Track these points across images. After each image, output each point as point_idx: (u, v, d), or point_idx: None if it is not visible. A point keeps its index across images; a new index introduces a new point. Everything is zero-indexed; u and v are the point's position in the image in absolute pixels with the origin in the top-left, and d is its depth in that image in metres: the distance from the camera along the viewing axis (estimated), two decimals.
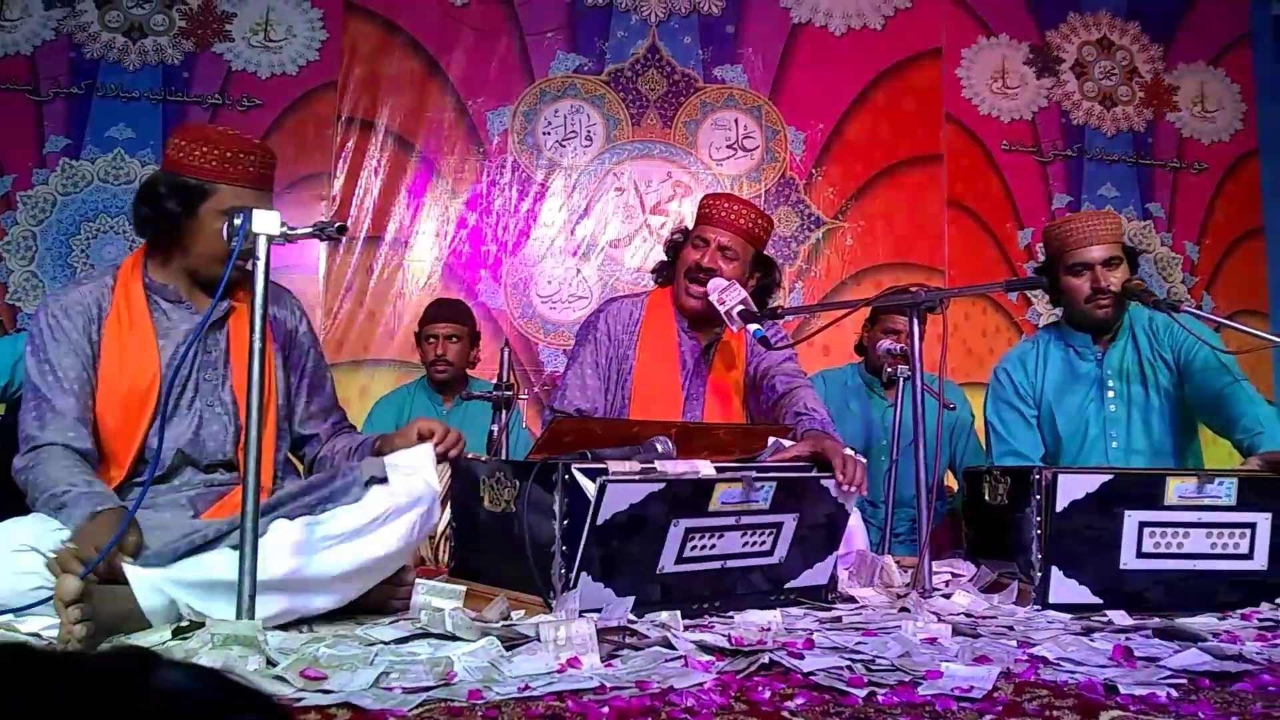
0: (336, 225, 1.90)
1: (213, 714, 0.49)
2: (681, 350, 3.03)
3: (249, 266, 1.85)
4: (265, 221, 1.82)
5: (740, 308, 2.79)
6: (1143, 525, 2.32)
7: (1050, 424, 3.10)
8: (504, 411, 2.99)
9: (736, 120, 5.26)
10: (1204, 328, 2.93)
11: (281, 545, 1.88)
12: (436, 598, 2.01)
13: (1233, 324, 2.85)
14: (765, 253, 3.11)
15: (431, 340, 4.13)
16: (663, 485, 2.04)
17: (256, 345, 1.78)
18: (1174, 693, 1.54)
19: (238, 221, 1.84)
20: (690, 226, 3.14)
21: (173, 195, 2.17)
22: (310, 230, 1.89)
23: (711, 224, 3.00)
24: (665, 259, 3.19)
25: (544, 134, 5.11)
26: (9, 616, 1.87)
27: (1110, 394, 3.04)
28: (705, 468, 2.17)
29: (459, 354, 4.14)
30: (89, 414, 2.14)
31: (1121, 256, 3.00)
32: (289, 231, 1.86)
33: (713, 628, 1.98)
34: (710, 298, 2.85)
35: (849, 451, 2.42)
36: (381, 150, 4.94)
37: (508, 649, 1.67)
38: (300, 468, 2.53)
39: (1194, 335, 2.90)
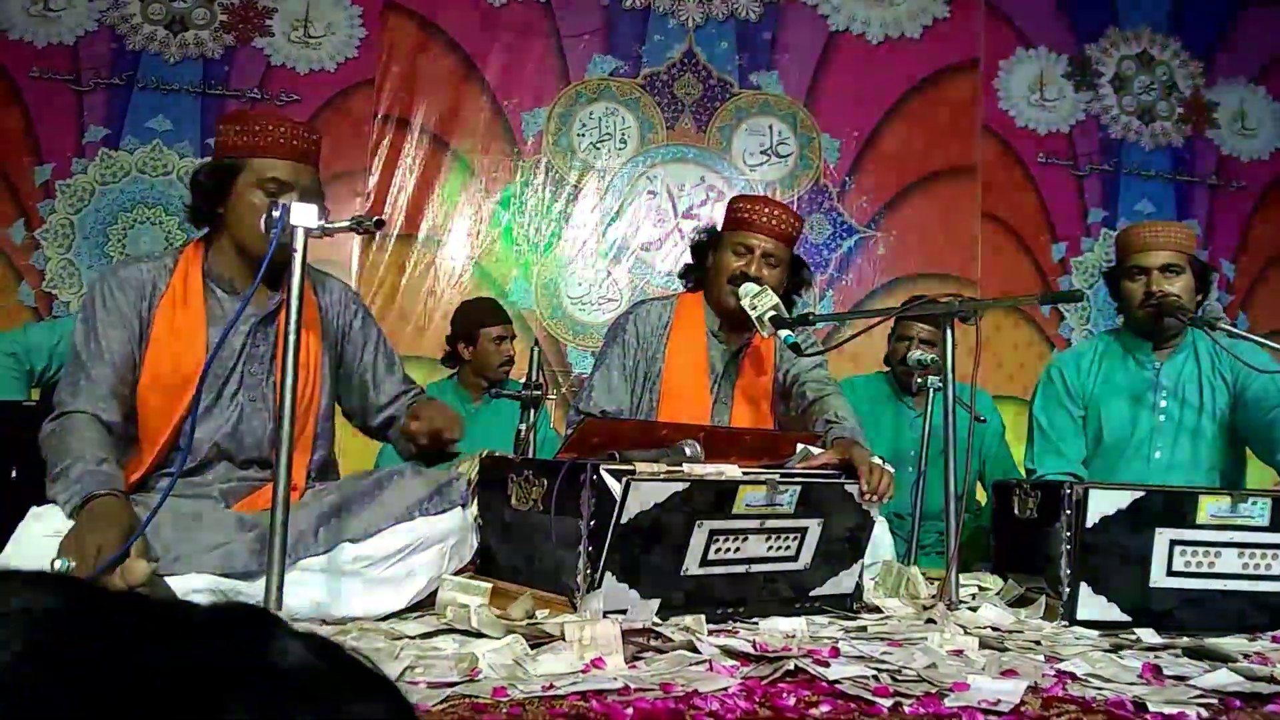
0: (374, 219, 1.91)
1: (334, 697, 0.47)
2: (711, 355, 3.02)
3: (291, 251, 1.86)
4: (303, 214, 1.83)
5: (772, 313, 2.78)
6: (1174, 543, 2.29)
7: (1095, 427, 3.08)
8: (532, 411, 2.98)
9: (771, 126, 5.25)
10: (1266, 356, 2.89)
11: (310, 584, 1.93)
12: (462, 594, 2.02)
13: (1271, 343, 2.82)
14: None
15: (499, 341, 4.12)
16: (687, 485, 2.04)
17: (291, 337, 1.79)
18: (1204, 713, 1.52)
19: (276, 214, 1.85)
20: (719, 228, 3.11)
21: (209, 177, 2.21)
22: (347, 224, 1.90)
23: (753, 230, 2.95)
24: (692, 261, 3.17)
25: (578, 136, 5.12)
26: None
27: (1162, 404, 3.01)
28: (732, 471, 2.16)
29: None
30: (125, 388, 2.14)
31: (1183, 267, 2.96)
32: (326, 225, 1.86)
33: (737, 633, 1.97)
34: (743, 303, 2.83)
35: (877, 460, 2.41)
36: (417, 148, 4.96)
37: (532, 647, 1.67)
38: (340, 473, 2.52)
39: (1238, 360, 2.86)
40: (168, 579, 1.85)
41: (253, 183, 2.16)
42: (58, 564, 1.76)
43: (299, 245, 1.81)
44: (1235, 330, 2.91)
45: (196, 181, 2.23)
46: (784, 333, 2.76)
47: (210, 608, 0.50)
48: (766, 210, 2.98)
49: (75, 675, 0.43)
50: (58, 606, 0.46)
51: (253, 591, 1.86)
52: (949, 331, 2.57)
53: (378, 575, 2.01)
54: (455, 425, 2.23)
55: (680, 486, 2.03)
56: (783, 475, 2.21)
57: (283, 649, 0.47)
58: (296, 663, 0.47)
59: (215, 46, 4.89)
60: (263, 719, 0.44)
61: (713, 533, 2.08)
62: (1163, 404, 3.01)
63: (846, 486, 2.30)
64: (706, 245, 3.10)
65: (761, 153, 5.23)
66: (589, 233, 5.09)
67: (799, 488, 2.19)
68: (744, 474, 2.17)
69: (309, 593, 1.93)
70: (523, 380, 3.02)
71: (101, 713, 0.42)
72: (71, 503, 1.90)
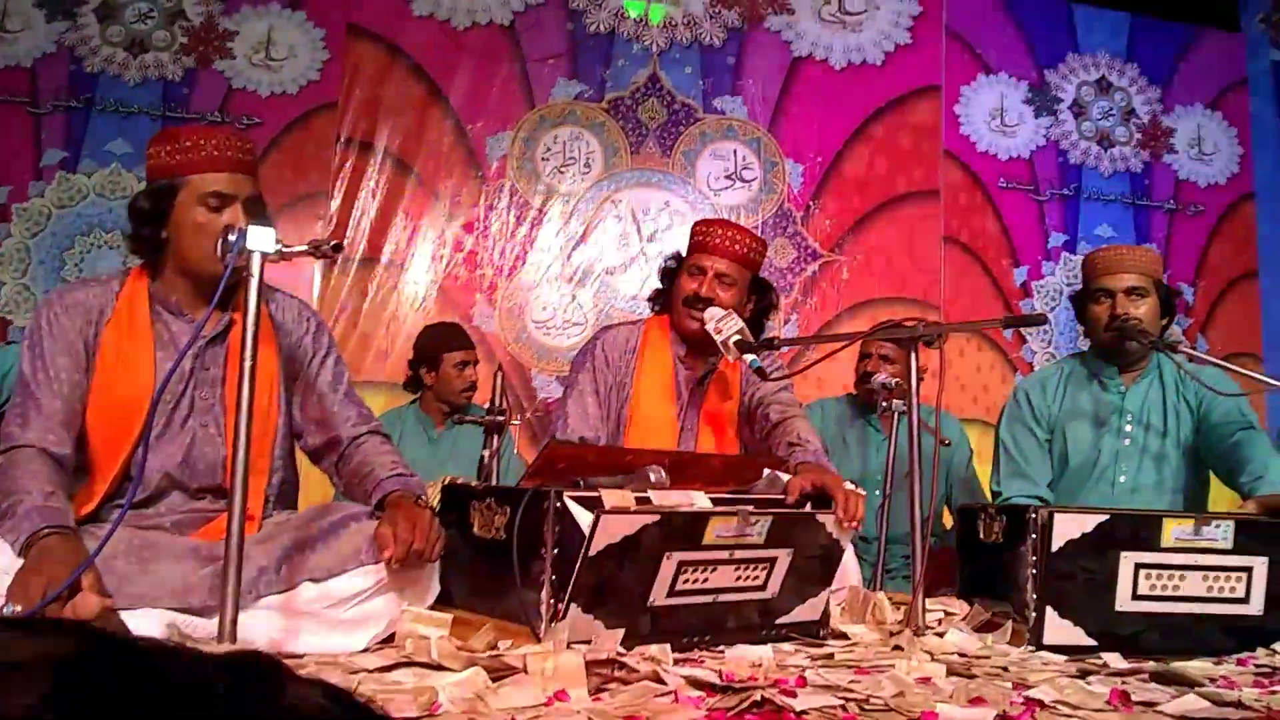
0: (332, 243, 1.86)
1: None
2: (677, 380, 3.01)
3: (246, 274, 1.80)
4: (260, 238, 1.79)
5: (737, 337, 2.76)
6: (1139, 567, 2.29)
7: (1061, 451, 3.08)
8: (496, 437, 2.96)
9: (735, 151, 5.27)
10: (1227, 379, 2.90)
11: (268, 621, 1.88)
12: (422, 625, 1.98)
13: (1228, 365, 2.85)
14: (760, 276, 3.09)
15: (462, 366, 4.08)
16: (658, 518, 2.00)
17: (247, 364, 1.75)
18: None
19: (232, 238, 1.81)
20: (683, 252, 3.11)
21: (148, 201, 2.13)
22: (305, 248, 1.85)
23: (707, 251, 2.97)
24: (660, 286, 3.16)
25: (543, 160, 5.10)
26: None
27: (1127, 429, 3.02)
28: (700, 499, 2.14)
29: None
30: (76, 417, 2.07)
31: (1148, 290, 2.99)
32: (284, 249, 1.83)
33: (703, 663, 1.94)
34: (707, 327, 2.82)
35: (849, 485, 2.40)
36: (379, 172, 4.93)
37: (494, 680, 1.64)
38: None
39: (1203, 384, 2.88)
40: (122, 614, 1.80)
41: (193, 200, 2.09)
42: (5, 609, 1.70)
43: (255, 270, 1.78)
44: (1197, 354, 2.93)
45: (135, 209, 2.15)
46: (749, 357, 2.75)
47: (222, 655, 0.50)
48: (720, 232, 2.99)
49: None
50: (76, 652, 0.47)
51: (210, 627, 1.80)
52: (913, 356, 2.57)
53: (337, 616, 1.96)
54: (435, 543, 2.08)
55: (652, 519, 1.99)
56: (756, 507, 2.18)
57: (298, 694, 0.48)
58: (313, 708, 0.48)
59: (175, 69, 4.84)
60: None
61: (682, 564, 2.05)
62: (1128, 428, 3.02)
63: (818, 517, 2.27)
64: (673, 271, 3.10)
65: (725, 177, 5.24)
66: (553, 257, 5.07)
67: (771, 519, 2.15)
68: (713, 501, 2.15)
69: (265, 629, 1.88)
70: (486, 406, 2.99)
71: None
72: (19, 541, 1.83)
